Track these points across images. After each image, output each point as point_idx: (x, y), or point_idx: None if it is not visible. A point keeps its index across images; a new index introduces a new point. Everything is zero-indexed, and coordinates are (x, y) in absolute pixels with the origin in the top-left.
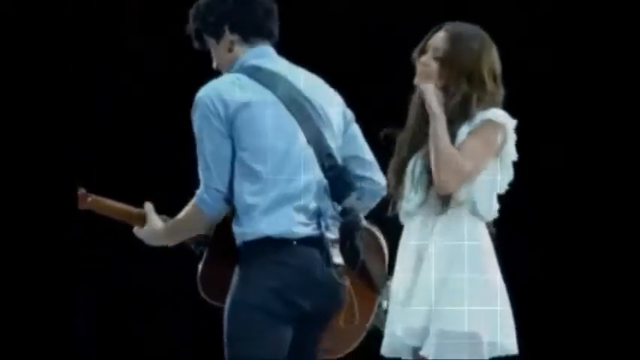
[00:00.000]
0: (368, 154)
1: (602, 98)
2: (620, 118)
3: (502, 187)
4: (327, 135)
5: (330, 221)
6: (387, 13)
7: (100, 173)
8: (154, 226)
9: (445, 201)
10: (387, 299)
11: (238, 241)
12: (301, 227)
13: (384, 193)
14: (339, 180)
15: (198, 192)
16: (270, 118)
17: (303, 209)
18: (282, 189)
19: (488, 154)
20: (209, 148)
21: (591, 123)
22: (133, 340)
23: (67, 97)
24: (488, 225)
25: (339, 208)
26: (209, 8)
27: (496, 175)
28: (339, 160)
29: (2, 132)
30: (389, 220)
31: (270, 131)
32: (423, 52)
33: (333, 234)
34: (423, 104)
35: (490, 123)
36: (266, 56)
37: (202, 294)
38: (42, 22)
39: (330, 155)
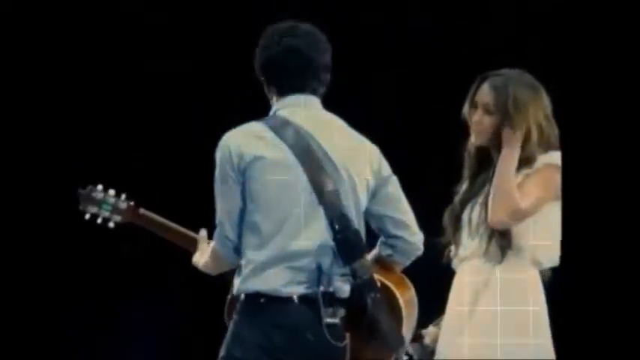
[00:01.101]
0: (401, 214)
1: (599, 98)
2: (618, 119)
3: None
4: (344, 195)
5: (335, 278)
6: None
7: (100, 173)
8: (199, 256)
9: (504, 247)
10: (404, 356)
11: (234, 292)
12: (294, 286)
13: (419, 252)
14: (347, 242)
15: (214, 235)
16: (280, 175)
17: (299, 269)
18: (279, 247)
19: (546, 196)
20: (223, 196)
21: (589, 123)
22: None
23: (67, 97)
24: (543, 271)
25: (348, 269)
26: (258, 54)
27: (557, 220)
28: (355, 222)
29: (2, 132)
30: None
31: (276, 189)
32: (471, 107)
33: (339, 292)
34: (477, 155)
35: (550, 166)
36: (297, 106)
37: (226, 320)
38: (42, 22)
39: (344, 215)
